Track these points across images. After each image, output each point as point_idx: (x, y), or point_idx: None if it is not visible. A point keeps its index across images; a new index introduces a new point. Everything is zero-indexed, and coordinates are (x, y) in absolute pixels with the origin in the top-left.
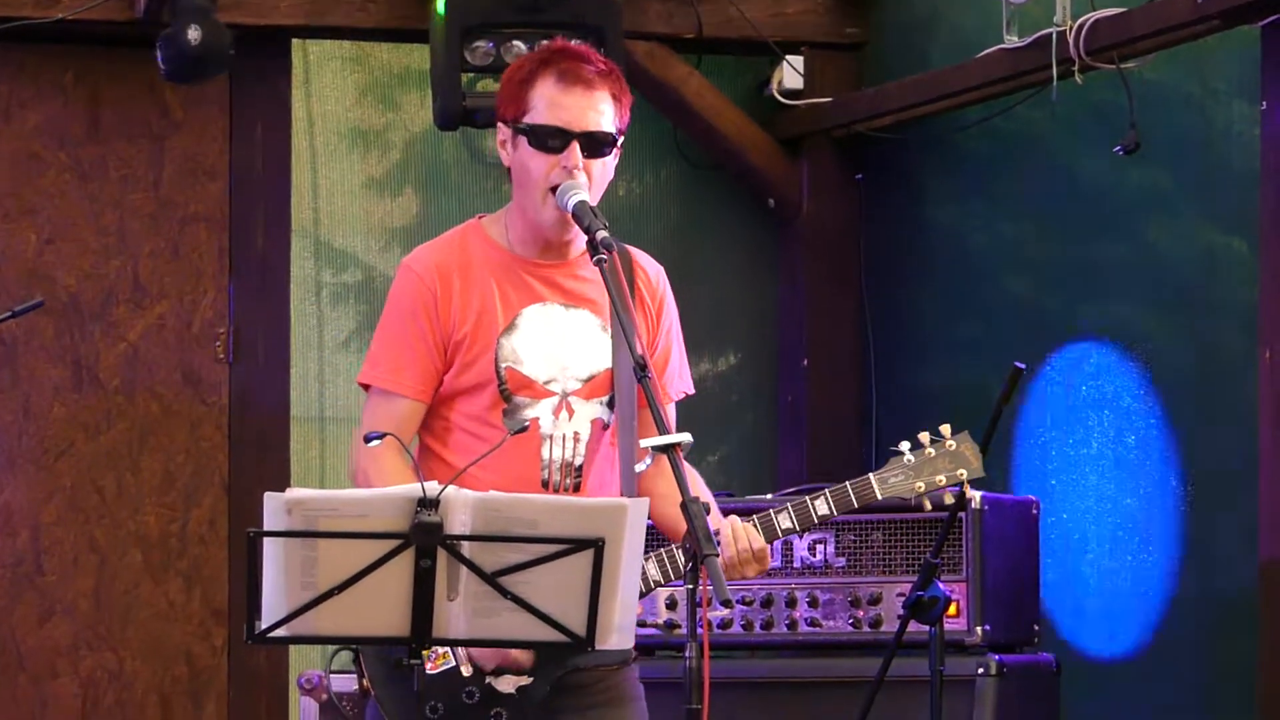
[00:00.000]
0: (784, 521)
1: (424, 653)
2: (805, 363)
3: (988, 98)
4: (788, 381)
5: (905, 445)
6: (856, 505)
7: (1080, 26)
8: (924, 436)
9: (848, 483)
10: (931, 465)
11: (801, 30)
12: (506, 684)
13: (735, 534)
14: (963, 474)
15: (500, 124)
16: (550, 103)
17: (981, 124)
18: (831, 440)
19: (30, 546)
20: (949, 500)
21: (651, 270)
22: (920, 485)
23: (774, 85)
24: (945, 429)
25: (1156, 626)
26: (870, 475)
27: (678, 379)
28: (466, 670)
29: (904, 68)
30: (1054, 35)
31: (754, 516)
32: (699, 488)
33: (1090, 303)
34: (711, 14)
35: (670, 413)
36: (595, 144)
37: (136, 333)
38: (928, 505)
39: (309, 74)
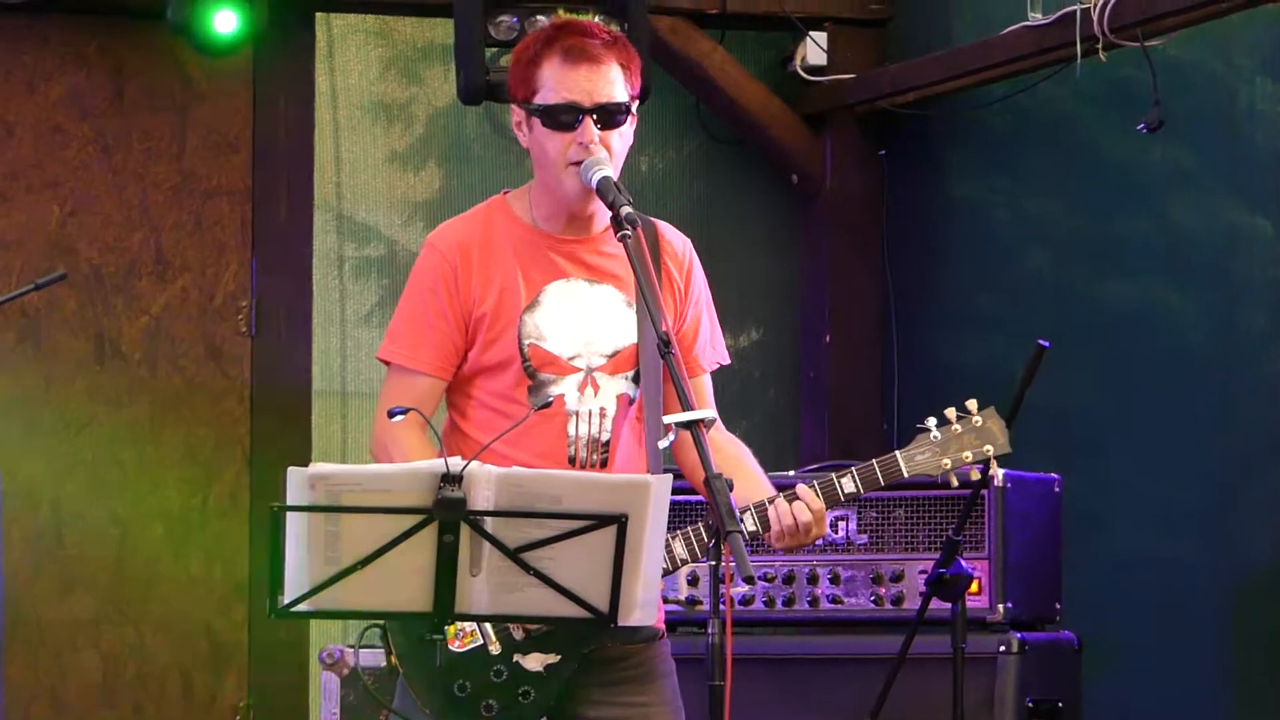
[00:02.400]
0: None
1: (450, 630)
2: (827, 339)
3: (1011, 74)
4: (810, 357)
5: (931, 421)
6: (883, 484)
7: (1104, 3)
8: (950, 412)
9: (874, 461)
10: (958, 441)
11: (825, 6)
12: (534, 662)
13: (783, 513)
14: (989, 450)
15: (514, 105)
16: (558, 81)
17: (1005, 101)
18: (853, 416)
19: (51, 520)
20: (975, 477)
21: (677, 242)
22: (947, 462)
23: (797, 61)
24: (972, 404)
25: (1179, 604)
26: (897, 453)
27: (710, 349)
28: (495, 648)
29: (927, 44)
30: (1078, 12)
31: (751, 505)
32: (744, 463)
33: (1113, 279)
34: None
35: (706, 384)
36: (609, 115)
37: (159, 306)
38: (954, 482)
39: (332, 47)
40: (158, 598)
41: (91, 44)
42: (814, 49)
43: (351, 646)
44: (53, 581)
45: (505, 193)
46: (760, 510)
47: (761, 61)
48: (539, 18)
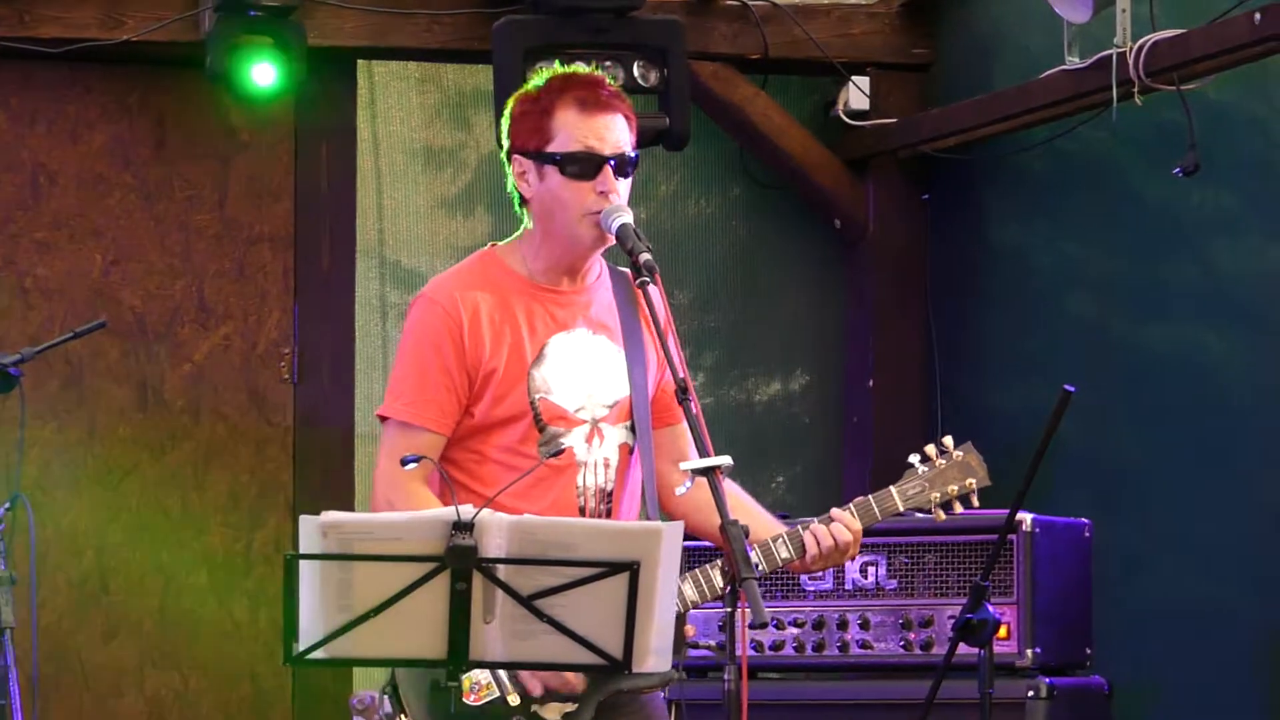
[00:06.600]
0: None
1: (466, 683)
2: (871, 383)
3: (1050, 118)
4: (854, 401)
5: (915, 458)
6: (880, 518)
7: (1140, 48)
8: (930, 449)
9: (869, 496)
10: (943, 476)
11: (867, 51)
12: (553, 712)
13: (822, 536)
14: (972, 483)
15: (517, 157)
16: (575, 130)
17: (1045, 144)
18: (897, 460)
19: (96, 566)
20: (958, 509)
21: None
22: (935, 495)
23: (840, 106)
24: (948, 440)
25: (1218, 649)
26: (891, 488)
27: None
28: (513, 700)
29: (968, 88)
30: (1114, 56)
31: (783, 533)
32: (746, 503)
33: (1154, 323)
34: (777, 35)
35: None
36: (623, 165)
37: (202, 353)
38: (941, 516)
39: (374, 94)
40: (201, 643)
41: (133, 93)
42: (856, 94)
43: (384, 692)
44: (97, 627)
45: (493, 245)
46: (794, 537)
47: (804, 107)
48: (578, 64)
